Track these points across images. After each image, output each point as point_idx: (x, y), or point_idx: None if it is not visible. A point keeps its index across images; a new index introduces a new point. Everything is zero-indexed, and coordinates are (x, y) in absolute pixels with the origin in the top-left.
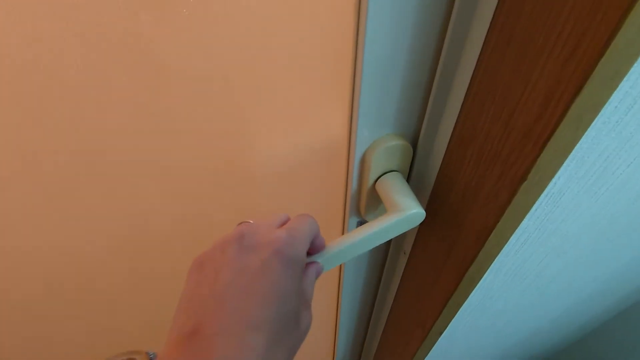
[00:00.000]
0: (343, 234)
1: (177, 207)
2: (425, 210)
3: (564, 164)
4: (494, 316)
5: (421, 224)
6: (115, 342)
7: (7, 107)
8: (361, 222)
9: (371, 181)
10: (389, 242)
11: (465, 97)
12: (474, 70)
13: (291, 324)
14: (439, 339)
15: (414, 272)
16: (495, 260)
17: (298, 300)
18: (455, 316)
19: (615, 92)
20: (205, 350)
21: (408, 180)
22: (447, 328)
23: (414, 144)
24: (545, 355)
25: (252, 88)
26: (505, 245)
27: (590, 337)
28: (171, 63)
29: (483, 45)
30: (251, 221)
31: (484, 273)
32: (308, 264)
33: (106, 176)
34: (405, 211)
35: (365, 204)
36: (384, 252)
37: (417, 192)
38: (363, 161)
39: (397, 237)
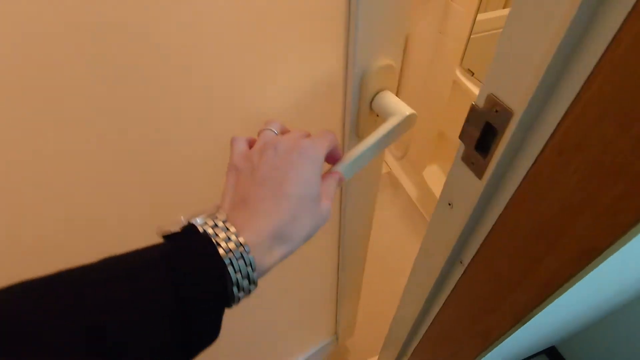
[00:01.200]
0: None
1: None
2: (496, 225)
3: None
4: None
5: (493, 232)
6: None
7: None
8: None
9: (367, 102)
10: (442, 252)
11: (574, 101)
12: (597, 63)
13: (313, 202)
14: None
15: (472, 283)
16: None
17: (318, 188)
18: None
19: None
20: (252, 208)
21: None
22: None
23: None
24: (563, 339)
25: (244, 30)
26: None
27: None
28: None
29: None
30: (273, 129)
31: (570, 288)
32: (331, 172)
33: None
34: (401, 114)
35: (363, 124)
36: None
37: (493, 196)
38: (361, 83)
39: (454, 246)
